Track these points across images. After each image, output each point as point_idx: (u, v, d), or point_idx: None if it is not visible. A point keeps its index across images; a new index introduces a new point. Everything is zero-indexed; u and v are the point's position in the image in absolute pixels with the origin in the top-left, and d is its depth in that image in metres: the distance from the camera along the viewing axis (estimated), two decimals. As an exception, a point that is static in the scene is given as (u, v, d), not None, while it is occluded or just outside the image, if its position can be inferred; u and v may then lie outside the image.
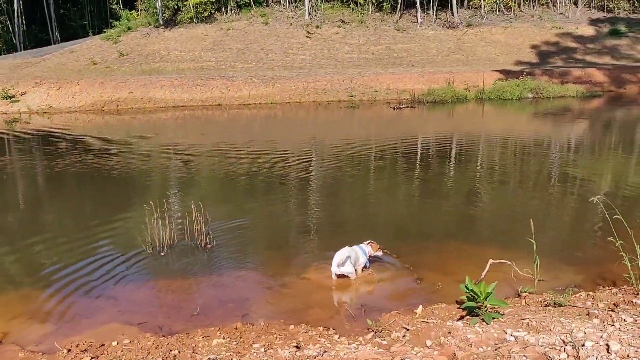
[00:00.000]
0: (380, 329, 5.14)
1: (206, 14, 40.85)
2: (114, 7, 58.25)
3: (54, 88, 27.98)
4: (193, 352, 4.82)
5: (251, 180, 12.76)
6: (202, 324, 5.63)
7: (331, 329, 5.33)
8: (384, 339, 4.80)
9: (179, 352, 4.82)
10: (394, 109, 24.79)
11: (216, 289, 6.72)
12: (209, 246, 7.95)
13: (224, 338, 5.08)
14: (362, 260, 6.88)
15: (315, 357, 4.19)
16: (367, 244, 7.01)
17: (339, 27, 40.66)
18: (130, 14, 45.80)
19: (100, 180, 12.95)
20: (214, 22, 40.93)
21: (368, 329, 5.19)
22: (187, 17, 40.48)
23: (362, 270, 6.90)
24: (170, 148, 17.75)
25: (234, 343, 4.98)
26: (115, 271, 7.23)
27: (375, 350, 4.41)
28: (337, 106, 26.57)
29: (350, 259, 6.64)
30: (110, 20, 47.92)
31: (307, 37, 39.21)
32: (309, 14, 41.40)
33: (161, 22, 40.47)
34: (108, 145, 18.27)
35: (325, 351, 4.35)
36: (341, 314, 5.81)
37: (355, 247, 6.92)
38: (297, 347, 4.63)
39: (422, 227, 9.13)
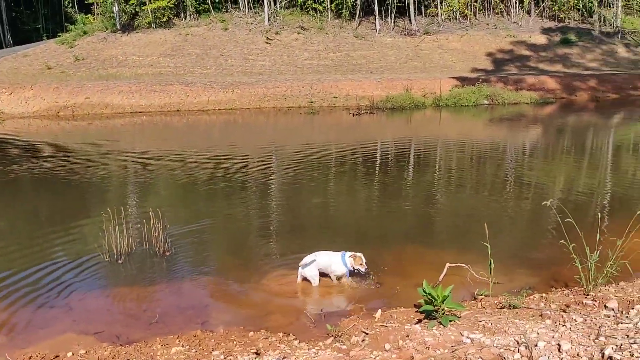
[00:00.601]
0: (339, 333, 5.17)
1: (164, 19, 40.38)
2: (69, 10, 56.83)
3: (6, 93, 27.18)
4: (151, 361, 4.75)
5: (211, 185, 12.68)
6: (161, 332, 5.56)
7: (291, 334, 5.34)
8: (344, 344, 4.83)
9: (137, 361, 4.76)
10: (353, 115, 24.97)
11: (175, 296, 6.65)
12: (167, 253, 7.86)
13: (183, 346, 5.03)
14: (336, 268, 6.74)
15: (275, 363, 4.20)
16: (350, 255, 6.72)
17: (299, 33, 40.77)
18: (86, 18, 44.89)
19: (57, 186, 12.67)
20: (172, 27, 40.49)
21: (328, 334, 5.21)
22: (145, 22, 39.93)
23: (338, 280, 6.83)
24: (129, 154, 17.47)
25: (194, 351, 4.93)
26: (70, 280, 7.07)
27: (335, 355, 4.44)
28: (297, 112, 26.62)
29: (316, 263, 6.63)
30: (66, 24, 46.59)
31: (266, 43, 39.17)
32: (269, 20, 41.37)
33: (118, 27, 39.80)
34: (65, 151, 17.86)
35: (284, 357, 4.36)
36: (301, 320, 5.82)
37: (333, 253, 6.79)
38: (256, 353, 4.62)
39: (382, 231, 9.22)
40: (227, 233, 9.19)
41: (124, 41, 38.49)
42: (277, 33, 40.34)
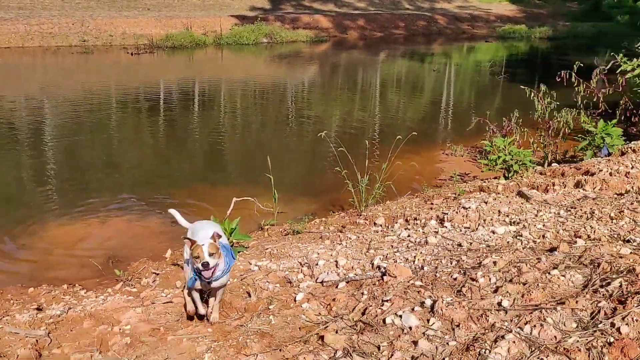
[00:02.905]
0: (129, 277, 5.10)
1: None
2: None
3: None
4: None
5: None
6: None
7: (77, 285, 5.10)
8: (134, 287, 4.79)
9: None
10: (132, 54, 23.68)
11: None
12: None
13: (-54, 315, 4.54)
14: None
15: (59, 316, 4.01)
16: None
17: (62, -37, 36.90)
18: None
19: None
20: None
21: (117, 280, 5.10)
22: None
23: None
24: None
25: (-38, 317, 4.48)
26: None
27: (125, 298, 4.39)
28: (68, 51, 24.37)
29: None
30: None
31: (24, -27, 34.85)
32: (24, -54, 36.70)
33: None
34: None
35: (70, 308, 4.17)
36: (87, 269, 5.58)
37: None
38: (38, 309, 4.35)
39: (170, 171, 9.15)
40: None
41: None
42: (35, -38, 36.03)
